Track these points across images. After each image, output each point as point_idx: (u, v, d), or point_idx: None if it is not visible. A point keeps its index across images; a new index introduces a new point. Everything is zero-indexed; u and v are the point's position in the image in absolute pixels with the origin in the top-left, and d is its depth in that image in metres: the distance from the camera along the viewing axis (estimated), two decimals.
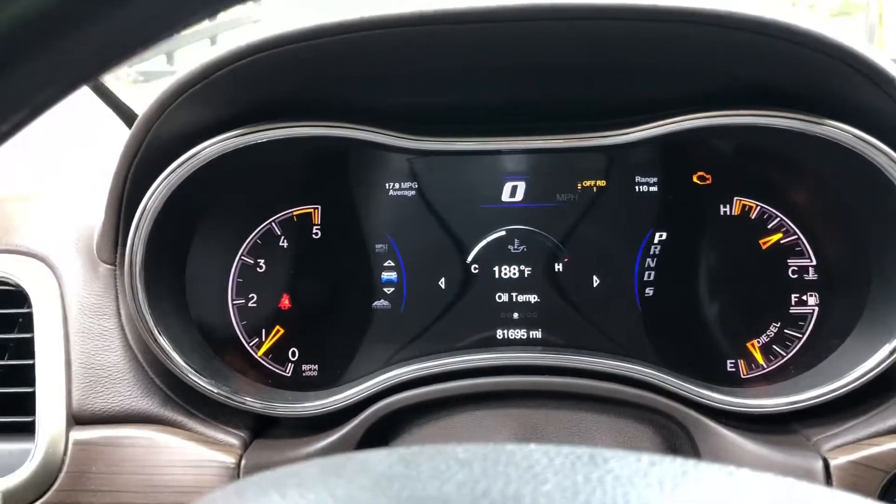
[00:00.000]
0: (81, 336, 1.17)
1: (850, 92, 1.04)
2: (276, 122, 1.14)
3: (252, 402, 1.17)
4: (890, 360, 1.08)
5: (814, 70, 1.03)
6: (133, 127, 1.12)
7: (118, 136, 1.19)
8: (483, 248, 1.29)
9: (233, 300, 1.30)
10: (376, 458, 0.45)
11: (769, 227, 1.26)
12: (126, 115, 1.50)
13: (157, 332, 1.13)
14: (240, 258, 1.30)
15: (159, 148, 1.13)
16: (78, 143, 1.83)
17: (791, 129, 1.08)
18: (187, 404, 1.17)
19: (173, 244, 1.20)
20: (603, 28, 1.00)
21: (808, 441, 1.11)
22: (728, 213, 1.27)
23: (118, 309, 1.19)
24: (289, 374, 1.30)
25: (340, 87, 1.15)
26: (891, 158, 1.04)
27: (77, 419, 1.14)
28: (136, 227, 1.12)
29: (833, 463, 1.05)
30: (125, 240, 1.14)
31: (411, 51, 1.06)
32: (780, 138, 1.12)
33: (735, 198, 1.26)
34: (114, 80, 1.73)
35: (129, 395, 1.16)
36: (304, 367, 1.30)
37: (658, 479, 0.42)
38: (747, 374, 1.26)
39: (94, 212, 1.22)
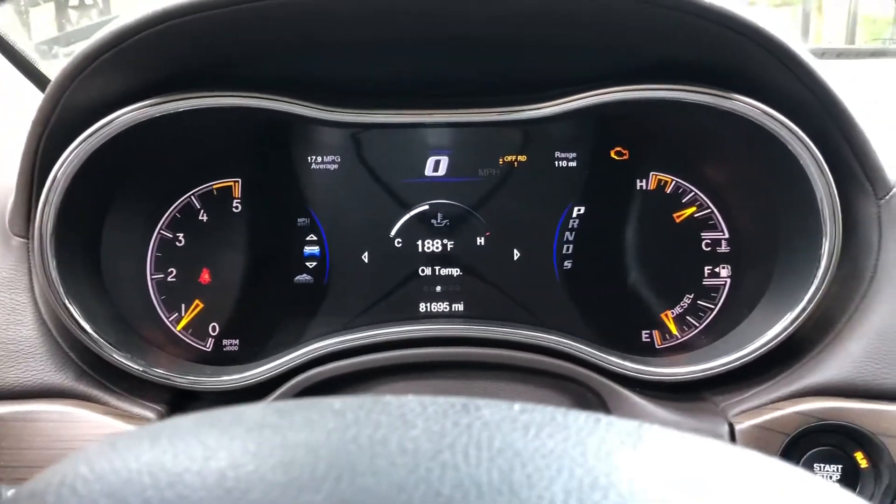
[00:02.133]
0: None
1: (756, 68, 1.07)
2: (194, 92, 1.12)
3: (169, 376, 1.16)
4: (791, 328, 1.12)
5: (721, 46, 1.06)
6: (44, 95, 1.09)
7: (32, 104, 1.16)
8: (406, 222, 1.30)
9: (151, 275, 1.28)
10: (253, 409, 0.45)
11: (683, 201, 1.29)
12: (40, 80, 1.46)
13: (69, 305, 1.11)
14: (158, 232, 1.28)
15: (73, 117, 1.10)
16: None
17: (700, 104, 1.11)
18: (103, 378, 1.15)
19: (87, 216, 1.17)
20: (513, 2, 1.01)
21: (717, 407, 1.15)
22: (644, 187, 1.30)
23: (31, 283, 1.16)
24: (209, 349, 1.29)
25: (258, 57, 1.14)
26: (793, 133, 1.08)
27: None
28: (45, 198, 1.10)
29: (738, 427, 1.09)
30: (35, 210, 1.12)
31: (325, 20, 1.05)
32: (692, 113, 1.15)
33: (651, 173, 1.30)
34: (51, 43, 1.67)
35: (42, 369, 1.13)
36: (225, 342, 1.30)
37: (524, 424, 0.44)
38: (662, 344, 1.30)
39: (5, 183, 1.19)
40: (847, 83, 1.10)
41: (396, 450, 0.40)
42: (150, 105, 1.10)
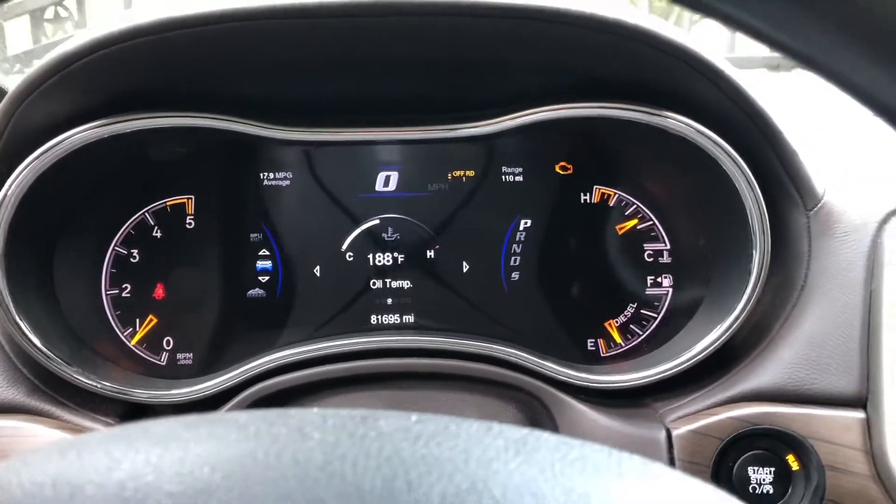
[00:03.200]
0: None
1: (683, 84, 1.12)
2: (142, 113, 1.15)
3: (121, 389, 1.18)
4: (725, 336, 1.16)
5: (652, 66, 1.10)
6: None
7: None
8: (357, 236, 1.32)
9: (106, 290, 1.30)
10: (161, 423, 0.48)
11: (626, 213, 1.33)
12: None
13: (20, 321, 1.13)
14: (113, 248, 1.30)
15: (23, 137, 1.12)
16: None
17: (634, 121, 1.15)
18: (55, 393, 1.17)
19: (38, 234, 1.19)
20: (444, 24, 1.05)
21: (656, 413, 1.19)
22: (588, 200, 1.34)
23: None
24: (164, 363, 1.31)
25: (202, 79, 1.17)
26: (722, 148, 1.13)
27: None
28: None
29: (675, 433, 1.13)
30: None
31: (264, 44, 1.08)
32: (629, 130, 1.19)
33: (595, 186, 1.33)
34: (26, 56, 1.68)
35: None
36: (179, 355, 1.32)
37: (416, 434, 0.47)
38: (606, 352, 1.34)
39: None
40: (779, 94, 1.15)
41: (289, 461, 0.43)
42: (98, 126, 1.13)
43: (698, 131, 1.13)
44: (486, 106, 1.26)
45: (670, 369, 1.19)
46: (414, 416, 0.49)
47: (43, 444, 0.47)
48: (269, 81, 1.21)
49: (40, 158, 1.11)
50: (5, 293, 1.12)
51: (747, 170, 1.12)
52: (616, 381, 1.22)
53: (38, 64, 1.05)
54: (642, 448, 1.13)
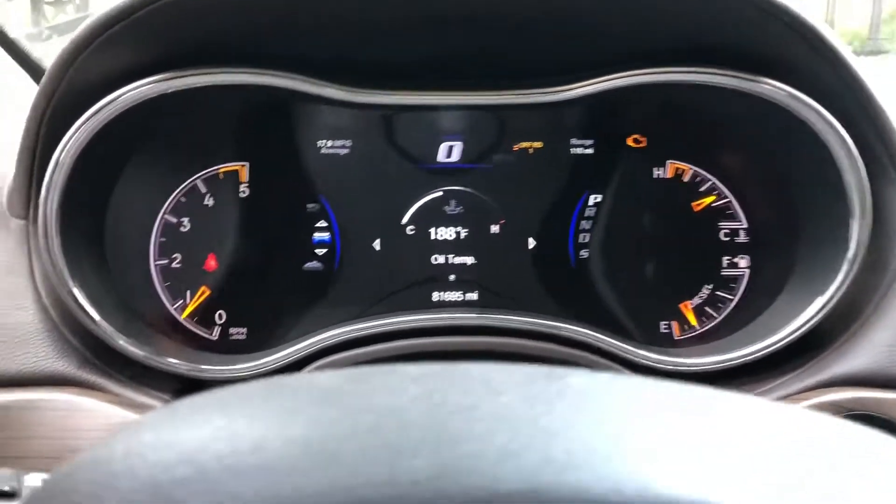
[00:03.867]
0: None
1: (783, 51, 1.05)
2: (204, 68, 1.09)
3: (176, 364, 1.12)
4: (818, 317, 1.10)
5: (748, 28, 1.04)
6: (47, 71, 1.05)
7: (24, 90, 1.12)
8: (419, 208, 1.26)
9: (155, 260, 1.24)
10: (322, 377, 0.42)
11: (701, 189, 1.27)
12: (35, 71, 1.41)
13: (75, 289, 1.06)
14: (162, 216, 1.24)
15: (76, 94, 1.06)
16: None
17: (726, 87, 1.09)
18: (107, 366, 1.10)
19: (91, 198, 1.13)
20: None
21: None
22: (661, 175, 1.27)
23: (31, 267, 1.12)
24: (215, 338, 1.25)
25: (270, 34, 1.09)
26: (822, 117, 1.06)
27: None
28: (49, 178, 1.05)
29: None
30: (39, 194, 1.07)
31: None
32: (715, 98, 1.13)
33: (668, 161, 1.27)
34: (26, 39, 1.62)
35: (44, 356, 1.08)
36: (232, 330, 1.25)
37: (617, 389, 0.41)
38: (680, 335, 1.28)
39: (3, 164, 1.15)
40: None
41: (490, 415, 0.36)
42: (159, 81, 1.06)
43: (796, 98, 1.06)
44: (556, 72, 1.20)
45: (757, 352, 1.12)
46: (602, 374, 0.43)
47: (193, 398, 0.40)
48: (333, 40, 1.14)
49: (97, 115, 1.05)
50: (59, 259, 1.05)
51: (849, 139, 1.06)
52: (697, 363, 1.16)
53: (98, 13, 0.99)
54: None
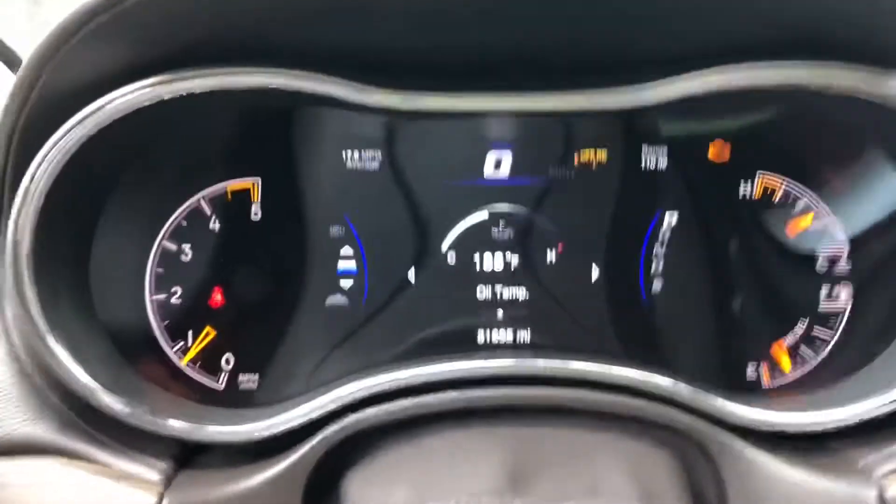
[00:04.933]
0: None
1: None
2: (209, 69, 0.90)
3: (176, 425, 0.94)
4: None
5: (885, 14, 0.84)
6: (19, 72, 0.86)
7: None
8: (461, 233, 1.09)
9: (151, 295, 1.06)
10: None
11: (796, 209, 1.08)
12: (10, 61, 1.22)
13: (50, 338, 0.88)
14: (160, 244, 1.06)
15: (54, 100, 0.88)
16: None
17: (851, 88, 0.89)
18: (92, 429, 0.93)
19: (72, 226, 0.95)
20: None
21: (856, 464, 0.93)
22: (749, 192, 1.09)
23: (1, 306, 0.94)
24: (222, 387, 1.08)
25: (292, 21, 0.90)
26: None
27: None
28: (20, 203, 0.87)
29: (890, 493, 0.87)
30: (5, 220, 0.89)
31: None
32: (826, 101, 0.93)
33: (757, 173, 1.08)
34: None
35: (16, 418, 0.91)
36: (242, 377, 1.08)
37: None
38: (770, 382, 1.09)
39: None
40: None
41: None
42: (154, 84, 0.88)
43: None
44: (623, 70, 1.01)
45: (879, 408, 0.93)
46: None
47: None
48: (369, 28, 0.94)
49: (78, 127, 0.87)
50: (34, 305, 0.87)
51: None
52: (802, 422, 0.97)
53: (81, 2, 0.79)
54: None
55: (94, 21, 0.81)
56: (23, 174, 0.88)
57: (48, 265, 0.90)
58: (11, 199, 0.89)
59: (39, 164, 0.87)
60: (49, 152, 0.87)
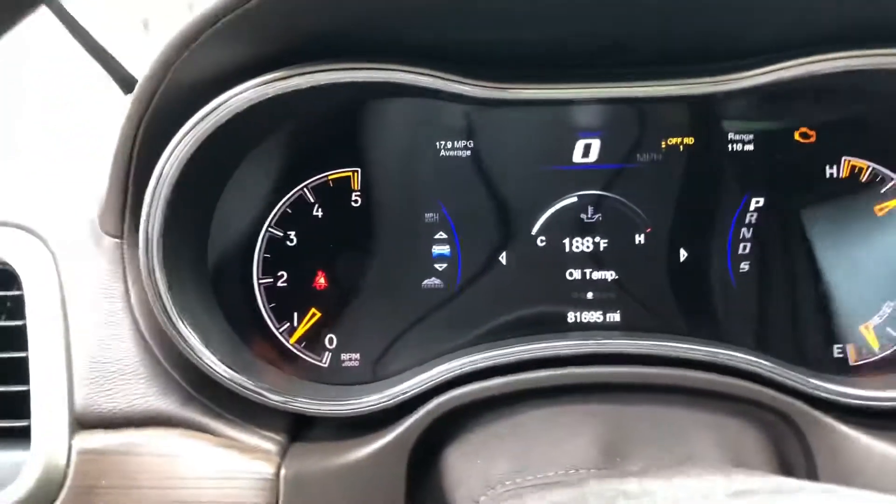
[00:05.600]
0: (83, 322, 0.99)
1: None
2: (318, 65, 0.95)
3: (291, 400, 0.99)
4: None
5: None
6: (147, 70, 0.91)
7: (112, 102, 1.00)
8: (551, 216, 1.11)
9: (259, 279, 1.11)
10: None
11: (883, 190, 1.09)
12: (126, 82, 1.28)
13: (178, 318, 0.94)
14: (267, 230, 1.11)
15: (176, 97, 0.93)
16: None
17: None
18: (213, 403, 0.99)
19: (194, 212, 1.01)
20: None
21: None
22: (835, 174, 1.10)
23: (126, 290, 1.00)
24: (326, 365, 1.12)
25: (398, 18, 0.94)
26: None
27: (81, 423, 0.96)
28: (152, 192, 0.93)
29: None
30: (135, 208, 0.95)
31: None
32: None
33: (843, 157, 1.09)
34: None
35: (144, 393, 0.97)
36: (344, 356, 1.12)
37: None
38: (857, 360, 1.10)
39: (93, 177, 1.03)
40: None
41: None
42: (273, 80, 0.93)
43: None
44: (711, 59, 1.03)
45: None
46: None
47: None
48: (466, 23, 0.98)
49: (203, 122, 0.92)
50: (163, 287, 0.93)
51: None
52: (883, 398, 0.99)
53: (208, 4, 0.85)
54: None
55: (220, 22, 0.86)
56: (146, 168, 0.94)
57: (175, 253, 0.96)
58: (137, 192, 0.96)
59: (168, 159, 0.93)
60: (176, 147, 0.92)
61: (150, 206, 0.93)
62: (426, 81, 0.98)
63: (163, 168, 0.92)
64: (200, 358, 0.95)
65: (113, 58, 1.27)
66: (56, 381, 0.96)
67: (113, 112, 1.00)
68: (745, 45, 0.99)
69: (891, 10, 0.91)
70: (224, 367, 0.96)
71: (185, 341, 0.95)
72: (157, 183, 0.92)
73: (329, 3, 0.87)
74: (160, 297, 0.94)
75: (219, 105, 0.92)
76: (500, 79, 1.02)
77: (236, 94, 0.92)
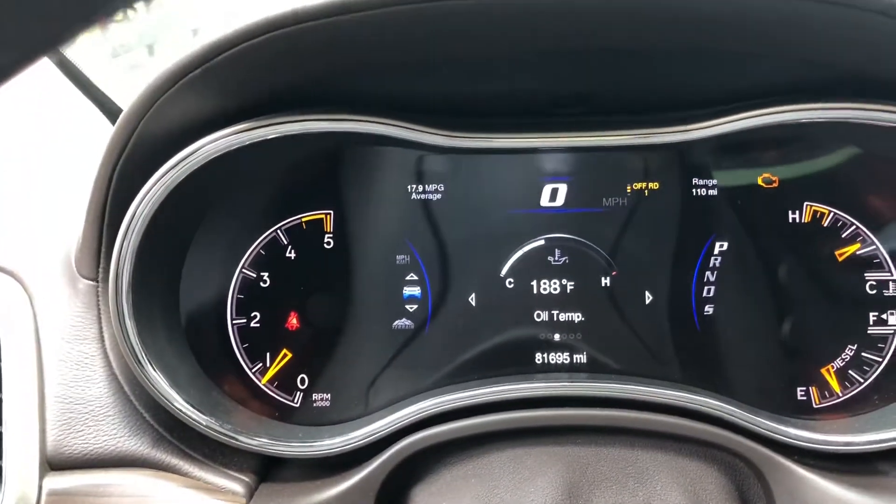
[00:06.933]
0: (58, 364, 1.01)
1: None
2: (286, 116, 0.97)
3: (260, 442, 1.01)
4: None
5: None
6: (119, 121, 0.95)
7: (99, 136, 1.03)
8: (519, 259, 1.13)
9: (233, 319, 1.13)
10: None
11: (843, 235, 1.11)
12: (110, 111, 1.32)
13: (146, 359, 0.97)
14: (240, 271, 1.13)
15: (149, 145, 0.96)
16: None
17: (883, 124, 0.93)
18: (182, 444, 1.01)
19: (165, 256, 1.03)
20: (684, 4, 0.84)
21: None
22: (797, 220, 1.12)
23: (101, 332, 1.02)
24: (297, 405, 1.14)
25: (362, 74, 0.98)
26: None
27: (52, 464, 0.98)
28: (123, 237, 0.96)
29: None
30: (109, 251, 0.98)
31: (447, 29, 0.89)
32: (863, 134, 0.97)
33: (805, 202, 1.11)
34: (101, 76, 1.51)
35: (114, 434, 0.99)
36: (315, 396, 1.14)
37: None
38: (820, 402, 1.11)
39: (71, 219, 1.06)
40: None
41: None
42: (241, 131, 0.96)
43: None
44: (675, 108, 1.06)
45: None
46: None
47: None
48: (434, 76, 1.01)
49: (174, 169, 0.95)
50: (132, 328, 0.96)
51: None
52: (850, 442, 1.00)
53: (179, 57, 0.88)
54: None
55: (185, 78, 0.89)
56: (121, 213, 0.97)
57: (144, 292, 0.98)
58: (111, 235, 0.98)
59: (139, 204, 0.95)
60: (148, 193, 0.95)
61: (121, 250, 0.95)
62: (395, 132, 1.01)
63: (134, 212, 0.95)
64: (169, 400, 0.97)
65: (100, 91, 1.31)
66: (28, 421, 0.98)
67: (93, 152, 1.03)
68: (699, 96, 1.02)
69: (830, 67, 0.94)
70: (192, 408, 0.98)
71: (153, 384, 0.97)
72: (129, 227, 0.95)
73: (286, 63, 0.90)
74: (128, 340, 0.96)
75: (190, 153, 0.95)
76: (468, 128, 1.05)
77: (207, 143, 0.95)
